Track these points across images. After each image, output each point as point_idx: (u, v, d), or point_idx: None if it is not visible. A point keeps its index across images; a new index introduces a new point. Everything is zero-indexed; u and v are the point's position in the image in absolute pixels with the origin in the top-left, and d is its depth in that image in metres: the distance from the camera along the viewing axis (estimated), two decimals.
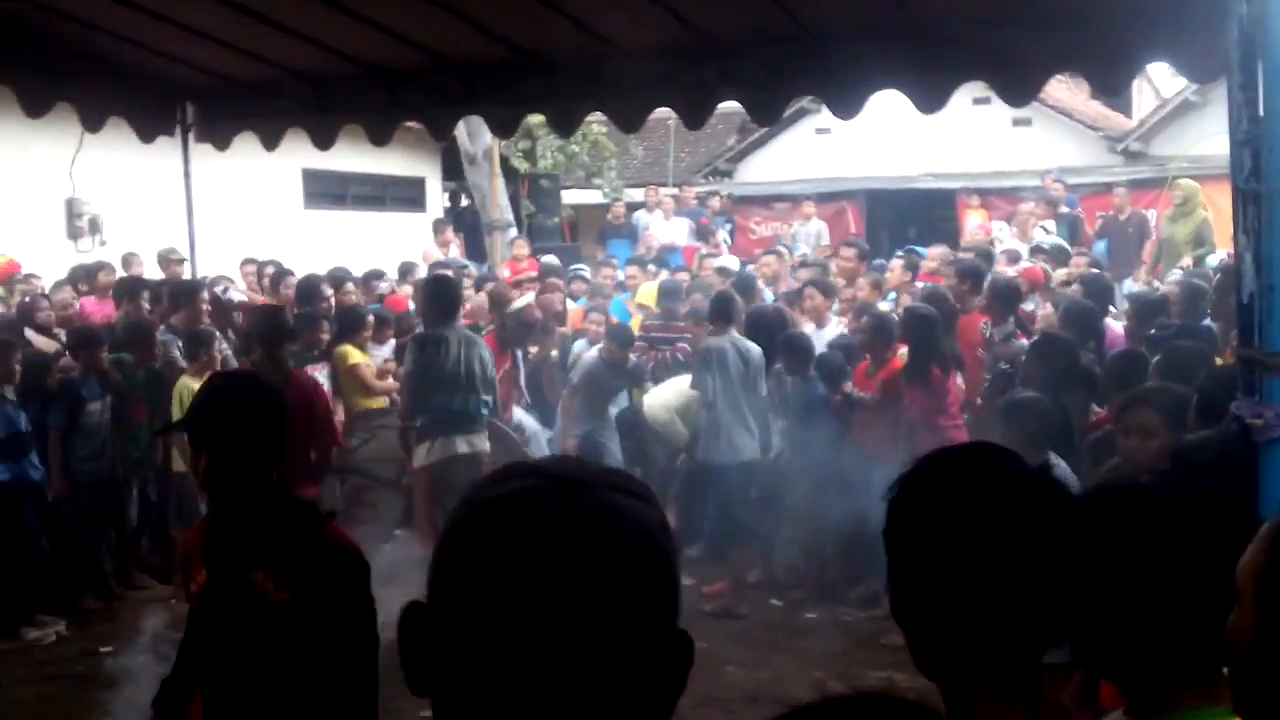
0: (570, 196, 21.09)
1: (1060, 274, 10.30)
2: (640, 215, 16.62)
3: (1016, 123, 18.99)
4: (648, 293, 11.20)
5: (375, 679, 2.80)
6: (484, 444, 7.70)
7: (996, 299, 8.40)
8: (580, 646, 1.02)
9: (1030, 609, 1.51)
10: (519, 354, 9.49)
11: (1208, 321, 7.67)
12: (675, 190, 17.96)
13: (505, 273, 13.44)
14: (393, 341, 9.74)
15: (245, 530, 2.92)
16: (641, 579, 1.06)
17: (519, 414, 9.41)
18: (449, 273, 11.64)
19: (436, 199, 20.12)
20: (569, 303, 11.39)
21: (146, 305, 9.65)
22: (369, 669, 2.78)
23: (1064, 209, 14.53)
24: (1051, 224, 13.75)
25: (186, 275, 10.15)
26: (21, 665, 7.23)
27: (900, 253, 11.53)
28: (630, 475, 1.16)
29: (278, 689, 2.79)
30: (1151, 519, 1.79)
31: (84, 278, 11.31)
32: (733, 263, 12.77)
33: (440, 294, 7.90)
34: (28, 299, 10.25)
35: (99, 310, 10.60)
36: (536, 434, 9.46)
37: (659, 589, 1.08)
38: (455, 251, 15.04)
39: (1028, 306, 8.92)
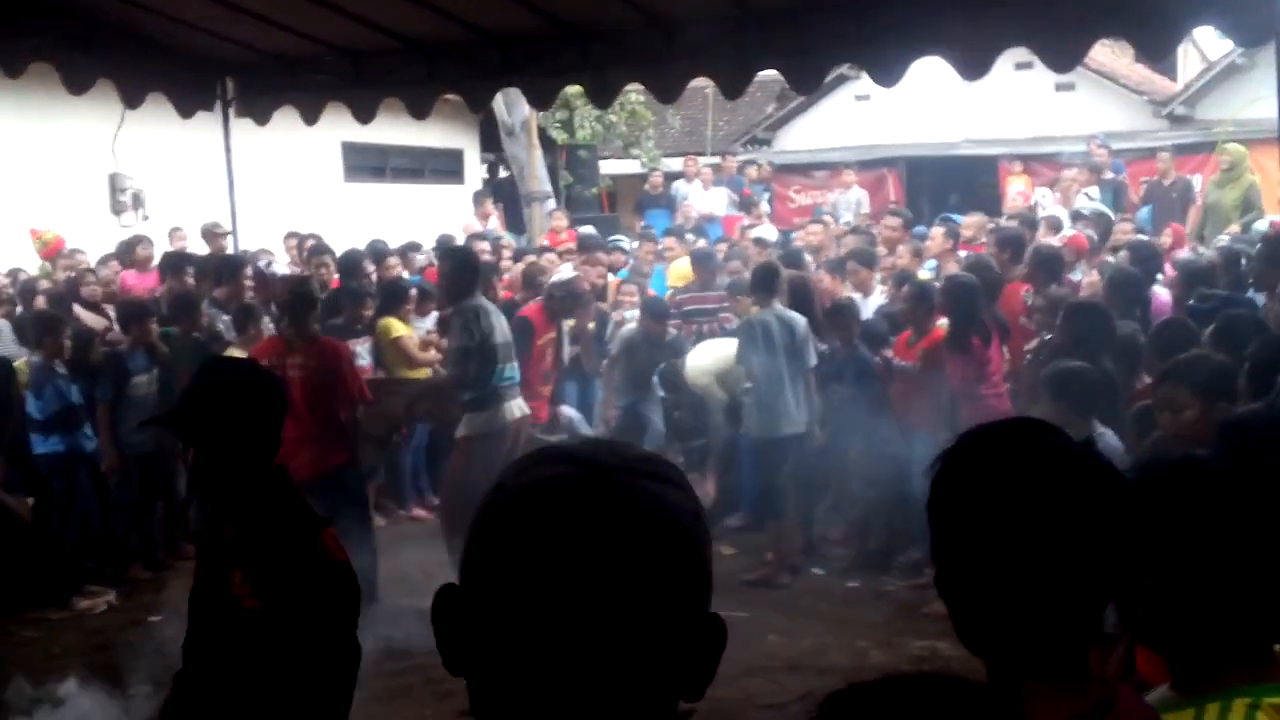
0: (608, 167, 21.05)
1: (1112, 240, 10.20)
2: (679, 185, 16.55)
3: (1059, 87, 18.74)
4: (679, 271, 11.04)
5: (346, 697, 2.70)
6: (526, 406, 7.77)
7: (1039, 267, 8.32)
8: (608, 632, 1.03)
9: (1073, 585, 1.50)
10: (564, 326, 9.48)
11: (1250, 293, 7.54)
12: (716, 159, 17.87)
13: (544, 244, 13.43)
14: (435, 314, 9.78)
15: (235, 527, 2.80)
16: (670, 565, 1.06)
17: (568, 411, 9.46)
18: (485, 244, 11.66)
19: (475, 171, 20.16)
20: (609, 275, 11.33)
21: (191, 279, 9.74)
22: (338, 688, 2.69)
23: (1109, 175, 14.35)
24: (1095, 190, 13.58)
25: (230, 249, 10.24)
26: (73, 634, 7.36)
27: (939, 220, 11.44)
28: (663, 460, 1.16)
29: (239, 694, 2.72)
30: (1208, 494, 1.78)
31: (124, 252, 11.42)
32: (770, 233, 12.66)
33: (468, 266, 7.82)
34: (74, 274, 10.36)
35: (139, 284, 10.71)
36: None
37: (688, 575, 1.08)
38: (495, 223, 15.05)
39: (1075, 276, 8.80)
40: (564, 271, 9.50)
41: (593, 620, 1.03)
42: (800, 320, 7.92)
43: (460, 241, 12.97)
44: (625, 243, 13.04)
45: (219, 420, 2.80)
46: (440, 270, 8.25)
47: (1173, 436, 4.22)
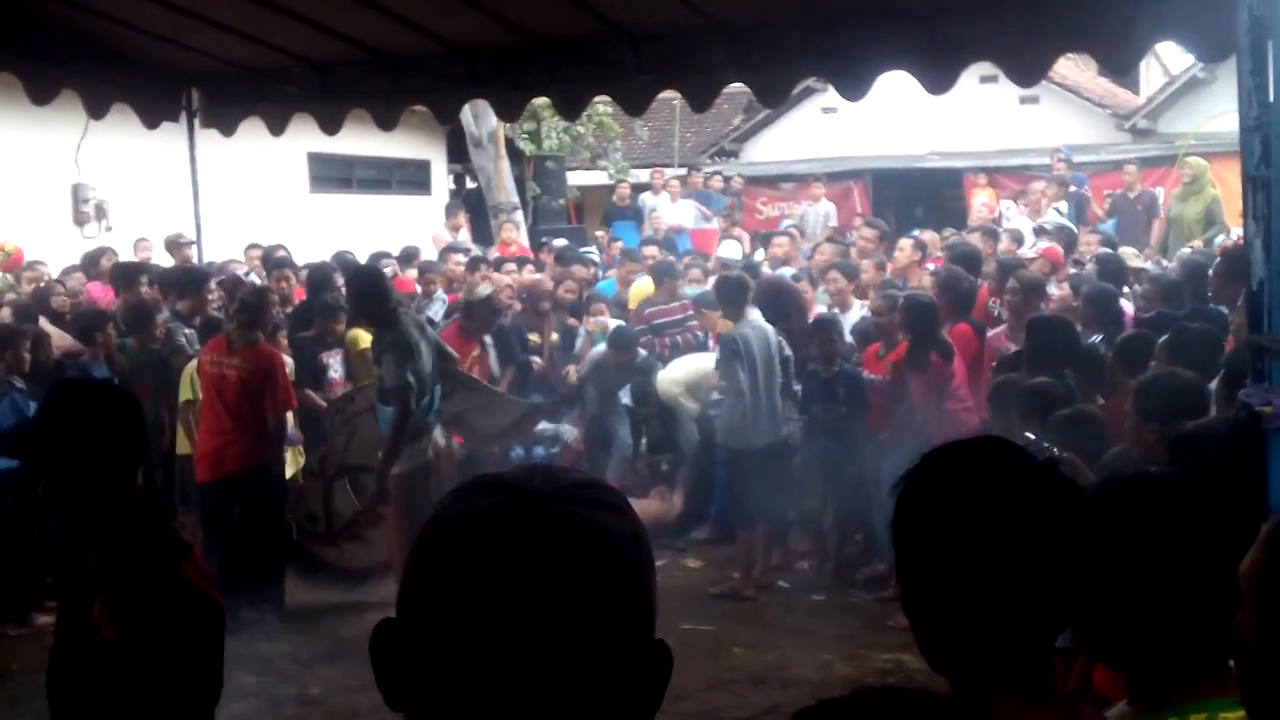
0: (575, 178, 21.04)
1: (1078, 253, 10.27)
2: (646, 197, 16.56)
3: (1024, 100, 18.91)
4: (640, 290, 10.94)
5: None
6: (443, 436, 7.62)
7: (1005, 279, 8.34)
8: (547, 664, 1.02)
9: (1039, 602, 1.50)
10: (487, 340, 9.40)
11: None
12: (683, 171, 17.89)
13: (495, 255, 13.32)
14: None
15: (98, 554, 2.68)
16: (608, 593, 1.05)
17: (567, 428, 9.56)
18: (459, 255, 11.52)
19: (442, 182, 20.11)
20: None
21: (145, 288, 9.63)
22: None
23: (1072, 188, 14.46)
24: (1064, 205, 13.65)
25: (194, 260, 10.16)
26: (33, 650, 7.25)
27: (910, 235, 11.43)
28: (602, 484, 1.15)
29: None
30: (1160, 510, 1.79)
31: (89, 264, 11.32)
32: (735, 250, 12.57)
33: (375, 289, 7.35)
34: (42, 285, 10.24)
35: (104, 296, 10.60)
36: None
37: (628, 602, 1.06)
38: (465, 235, 14.96)
39: (1049, 289, 8.76)
40: (483, 288, 9.33)
41: (530, 652, 1.01)
42: (771, 331, 7.94)
43: (428, 253, 12.95)
44: (595, 254, 13.02)
45: (66, 446, 2.67)
46: (347, 293, 7.94)
47: (1137, 451, 4.26)
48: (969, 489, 1.53)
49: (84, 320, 8.53)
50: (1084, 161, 16.24)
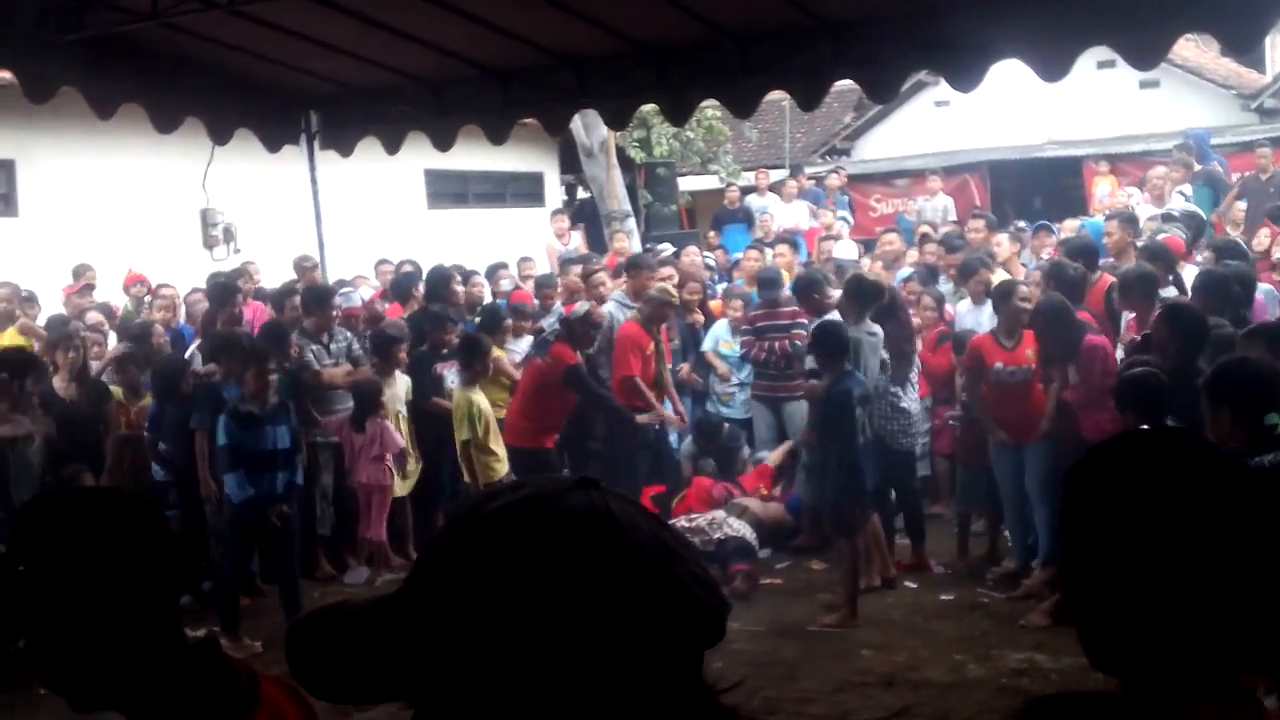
0: (687, 183, 21.04)
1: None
2: (752, 199, 16.46)
3: (1144, 85, 18.42)
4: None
5: None
6: None
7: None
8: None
9: (1223, 597, 1.40)
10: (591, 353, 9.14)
11: None
12: (785, 173, 17.78)
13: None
14: (529, 337, 9.76)
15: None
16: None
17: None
18: (576, 268, 11.37)
19: (555, 193, 20.28)
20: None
21: (275, 310, 9.75)
22: None
23: (1197, 166, 13.89)
24: (1189, 188, 13.17)
25: (320, 280, 10.35)
26: None
27: (1023, 226, 11.18)
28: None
29: None
30: None
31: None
32: (850, 251, 12.48)
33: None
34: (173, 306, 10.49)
35: (251, 315, 10.61)
36: None
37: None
38: (577, 241, 14.99)
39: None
40: (579, 307, 9.10)
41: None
42: (880, 333, 7.92)
43: (540, 263, 13.06)
44: (712, 259, 13.08)
45: (39, 588, 1.74)
46: None
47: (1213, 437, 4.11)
48: (1149, 480, 1.45)
49: (215, 343, 8.71)
50: (1213, 144, 15.70)
